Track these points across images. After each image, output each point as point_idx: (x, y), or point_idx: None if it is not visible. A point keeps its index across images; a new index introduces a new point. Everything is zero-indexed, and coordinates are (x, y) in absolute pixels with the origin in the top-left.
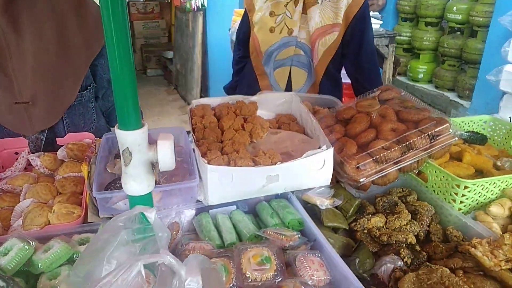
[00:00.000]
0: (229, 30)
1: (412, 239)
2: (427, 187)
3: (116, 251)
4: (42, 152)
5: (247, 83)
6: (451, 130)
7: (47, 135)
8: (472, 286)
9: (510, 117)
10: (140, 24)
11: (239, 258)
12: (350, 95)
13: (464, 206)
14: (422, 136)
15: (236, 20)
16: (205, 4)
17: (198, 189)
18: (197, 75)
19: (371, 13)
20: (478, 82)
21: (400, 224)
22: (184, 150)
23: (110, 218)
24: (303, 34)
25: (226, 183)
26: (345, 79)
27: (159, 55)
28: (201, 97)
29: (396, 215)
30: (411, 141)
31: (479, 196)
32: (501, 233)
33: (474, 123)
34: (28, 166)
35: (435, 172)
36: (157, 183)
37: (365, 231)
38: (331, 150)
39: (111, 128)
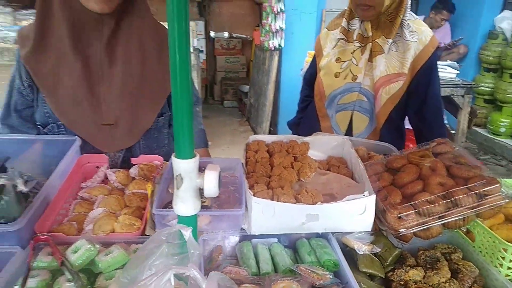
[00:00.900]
0: (301, 70)
1: None
2: (474, 247)
3: (157, 260)
4: (118, 169)
5: (309, 123)
6: (503, 191)
7: (125, 154)
8: None
9: None
10: (222, 59)
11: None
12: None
13: None
14: (469, 193)
15: (308, 61)
16: (282, 44)
17: (243, 218)
18: (268, 110)
19: (448, 62)
20: None
21: (439, 281)
22: (238, 180)
23: None
24: (367, 81)
25: (268, 216)
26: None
27: (236, 88)
28: (269, 131)
29: (435, 271)
30: (457, 197)
31: None
32: None
33: None
34: (105, 179)
35: (483, 232)
36: (209, 207)
37: (402, 282)
38: (373, 197)
39: None
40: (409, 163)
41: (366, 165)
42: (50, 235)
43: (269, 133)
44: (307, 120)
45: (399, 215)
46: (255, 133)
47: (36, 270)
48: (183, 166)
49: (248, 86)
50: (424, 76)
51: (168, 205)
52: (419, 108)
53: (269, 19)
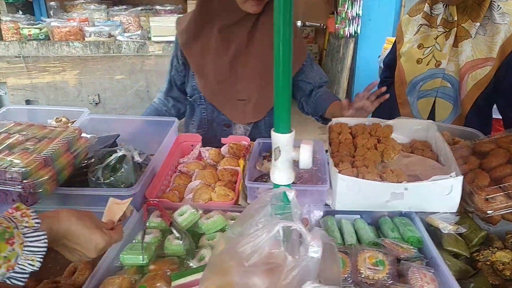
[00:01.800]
0: (378, 57)
1: None
2: None
3: (262, 218)
4: (210, 147)
5: (388, 110)
6: None
7: (252, 128)
8: None
9: None
10: None
11: (356, 256)
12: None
13: None
14: None
15: (387, 48)
16: (358, 31)
17: (327, 194)
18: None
19: None
20: None
21: None
22: (320, 161)
23: None
24: (452, 67)
25: (353, 193)
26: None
27: None
28: None
29: None
30: None
31: None
32: None
33: None
34: (199, 156)
35: None
36: (294, 183)
37: (488, 262)
38: (460, 178)
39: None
40: (498, 147)
41: (452, 149)
42: (159, 201)
43: None
44: (386, 107)
45: (487, 197)
46: None
47: (149, 229)
48: (281, 140)
49: None
50: None
51: (258, 179)
52: (509, 93)
53: (346, 6)
